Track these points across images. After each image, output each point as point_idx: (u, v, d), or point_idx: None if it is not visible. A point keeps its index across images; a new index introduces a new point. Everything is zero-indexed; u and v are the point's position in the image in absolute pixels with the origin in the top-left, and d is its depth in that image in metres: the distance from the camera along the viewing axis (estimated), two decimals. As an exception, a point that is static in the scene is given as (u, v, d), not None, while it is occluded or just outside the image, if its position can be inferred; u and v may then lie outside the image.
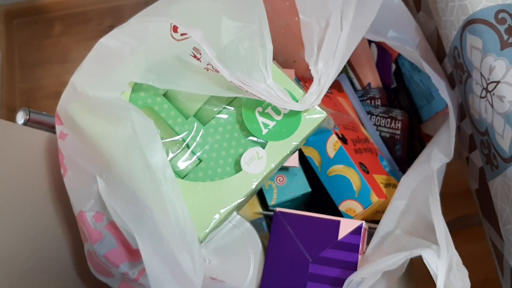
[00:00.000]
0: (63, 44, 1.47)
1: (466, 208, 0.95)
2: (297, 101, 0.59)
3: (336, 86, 0.79)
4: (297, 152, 0.65)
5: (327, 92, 0.72)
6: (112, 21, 1.48)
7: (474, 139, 0.68)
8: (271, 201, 0.69)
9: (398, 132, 0.77)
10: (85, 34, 1.47)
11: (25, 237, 0.64)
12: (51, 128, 0.69)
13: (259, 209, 0.72)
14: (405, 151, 0.78)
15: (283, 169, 0.70)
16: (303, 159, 0.71)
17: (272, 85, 0.56)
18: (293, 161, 0.65)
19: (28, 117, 0.73)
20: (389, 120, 0.77)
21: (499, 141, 0.59)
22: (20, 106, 1.40)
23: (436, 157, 0.63)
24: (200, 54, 0.56)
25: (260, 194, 0.72)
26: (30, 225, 0.65)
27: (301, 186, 0.70)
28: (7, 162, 0.64)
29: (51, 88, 1.40)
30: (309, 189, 0.70)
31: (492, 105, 0.60)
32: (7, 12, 1.49)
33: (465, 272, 0.53)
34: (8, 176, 0.63)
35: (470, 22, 0.61)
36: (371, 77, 0.81)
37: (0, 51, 1.43)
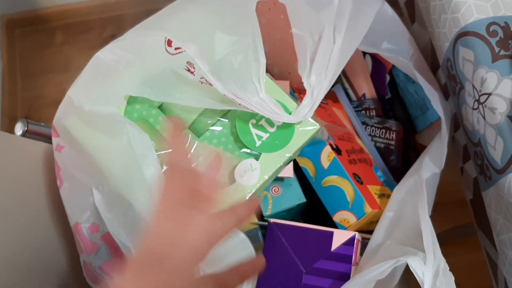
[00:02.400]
0: (64, 53, 1.48)
1: (465, 217, 0.96)
2: (290, 113, 0.60)
3: (331, 96, 0.80)
4: (291, 163, 0.66)
5: (322, 103, 0.73)
6: (113, 30, 1.49)
7: (468, 149, 0.69)
8: (267, 211, 0.70)
9: (393, 142, 0.78)
10: (87, 43, 1.49)
11: (23, 246, 0.64)
12: (49, 139, 0.70)
13: (254, 219, 0.72)
14: (400, 162, 0.79)
15: (279, 179, 0.71)
16: (298, 169, 0.71)
17: (264, 98, 0.57)
18: (288, 171, 0.66)
19: (26, 128, 0.74)
20: (384, 130, 0.78)
21: (492, 152, 0.60)
22: (22, 115, 1.42)
23: (426, 167, 0.64)
24: (194, 68, 0.57)
25: (255, 205, 0.73)
26: (28, 234, 0.66)
27: (296, 197, 0.70)
28: (6, 173, 0.65)
29: (53, 96, 1.42)
30: (304, 200, 0.70)
31: (484, 117, 0.60)
32: (8, 22, 1.50)
33: (451, 278, 0.54)
34: (6, 187, 0.64)
35: (462, 34, 0.62)
36: (366, 88, 0.81)
37: (1, 60, 1.44)
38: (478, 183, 0.67)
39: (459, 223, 1.12)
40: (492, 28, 0.60)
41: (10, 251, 0.61)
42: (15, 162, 0.68)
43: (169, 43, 0.58)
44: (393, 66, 0.81)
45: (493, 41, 0.60)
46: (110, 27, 1.49)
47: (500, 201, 0.60)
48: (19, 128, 0.75)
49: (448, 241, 1.23)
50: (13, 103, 1.42)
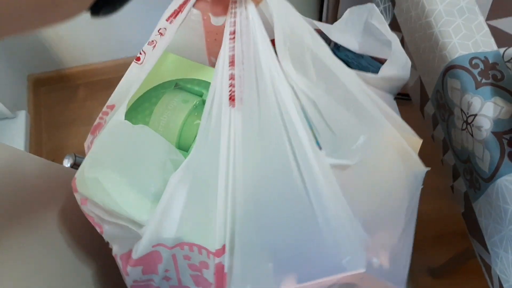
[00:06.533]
0: (87, 107, 1.55)
1: (464, 245, 1.01)
2: None
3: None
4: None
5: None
6: (131, 86, 1.59)
7: (457, 168, 0.75)
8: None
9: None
10: (108, 98, 1.57)
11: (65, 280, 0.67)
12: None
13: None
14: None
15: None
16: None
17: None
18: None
19: (74, 161, 0.83)
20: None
21: (480, 164, 0.66)
22: (47, 164, 1.48)
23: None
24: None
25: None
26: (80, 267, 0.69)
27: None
28: (55, 202, 0.70)
29: (76, 147, 1.48)
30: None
31: (472, 135, 0.67)
32: (35, 80, 1.57)
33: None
34: (56, 213, 0.68)
35: (450, 68, 0.70)
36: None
37: (28, 114, 1.50)
38: (469, 196, 0.72)
39: (459, 250, 1.16)
40: (474, 61, 0.69)
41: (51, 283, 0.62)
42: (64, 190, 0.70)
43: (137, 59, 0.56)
44: (339, 49, 0.70)
45: (475, 72, 0.68)
46: (129, 83, 1.58)
47: (489, 207, 0.66)
48: (67, 162, 0.84)
49: (452, 270, 1.27)
50: (38, 153, 1.47)
